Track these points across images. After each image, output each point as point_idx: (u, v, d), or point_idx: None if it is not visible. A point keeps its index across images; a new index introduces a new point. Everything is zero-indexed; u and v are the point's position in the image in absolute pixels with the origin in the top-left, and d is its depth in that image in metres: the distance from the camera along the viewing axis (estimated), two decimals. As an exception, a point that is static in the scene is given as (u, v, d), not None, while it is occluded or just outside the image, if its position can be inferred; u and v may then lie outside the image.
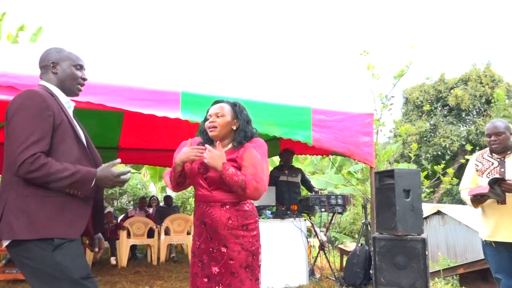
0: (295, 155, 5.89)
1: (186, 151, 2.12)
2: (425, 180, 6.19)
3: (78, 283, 1.71)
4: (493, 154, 2.97)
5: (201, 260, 2.14)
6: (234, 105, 2.26)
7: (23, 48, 4.20)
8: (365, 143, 4.66)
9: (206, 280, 2.10)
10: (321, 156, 13.12)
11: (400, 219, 3.96)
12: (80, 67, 1.98)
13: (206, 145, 2.10)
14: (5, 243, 1.70)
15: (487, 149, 3.05)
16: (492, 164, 2.92)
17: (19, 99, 1.75)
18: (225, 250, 2.07)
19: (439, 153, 22.40)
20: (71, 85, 1.94)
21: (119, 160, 1.82)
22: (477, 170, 2.99)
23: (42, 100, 1.75)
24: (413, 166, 8.80)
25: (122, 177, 1.80)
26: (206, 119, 2.24)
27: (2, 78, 2.79)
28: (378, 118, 6.05)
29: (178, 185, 2.25)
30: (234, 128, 2.22)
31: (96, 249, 2.07)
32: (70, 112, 1.92)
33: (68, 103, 1.93)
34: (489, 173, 2.89)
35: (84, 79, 2.00)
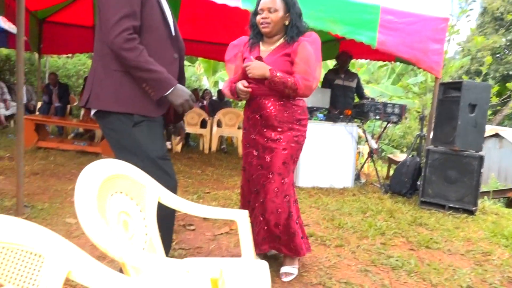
0: (352, 61, 5.58)
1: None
2: (494, 97, 5.77)
3: (153, 162, 1.74)
4: None
5: (257, 150, 2.21)
6: None
7: None
8: (434, 50, 4.31)
9: (260, 167, 2.18)
10: (378, 65, 12.52)
11: (460, 134, 3.80)
12: None
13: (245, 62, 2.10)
14: (93, 112, 1.78)
15: None
16: None
17: None
18: (280, 141, 2.13)
19: (510, 72, 20.58)
20: None
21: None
22: None
23: None
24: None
25: (191, 102, 1.78)
26: (256, 13, 2.17)
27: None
28: (453, 25, 5.50)
29: None
30: (286, 23, 2.14)
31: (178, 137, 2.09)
32: None
33: None
34: None
35: None
